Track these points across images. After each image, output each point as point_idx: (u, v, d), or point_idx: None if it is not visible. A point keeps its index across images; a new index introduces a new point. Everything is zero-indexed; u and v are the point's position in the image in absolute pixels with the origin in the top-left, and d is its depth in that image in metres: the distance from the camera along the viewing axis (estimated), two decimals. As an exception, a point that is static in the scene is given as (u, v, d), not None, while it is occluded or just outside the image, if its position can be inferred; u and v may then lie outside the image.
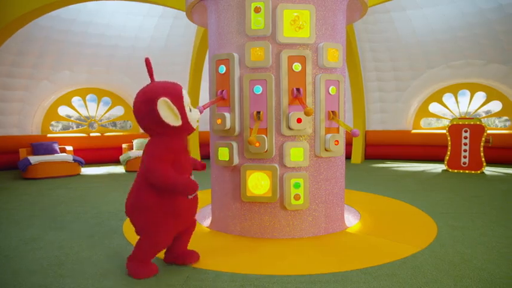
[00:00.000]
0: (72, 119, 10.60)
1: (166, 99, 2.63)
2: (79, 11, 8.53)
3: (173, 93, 2.69)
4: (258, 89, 3.63)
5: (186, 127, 2.78)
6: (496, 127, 10.54)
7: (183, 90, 2.78)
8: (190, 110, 2.81)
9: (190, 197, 2.75)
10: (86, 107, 10.28)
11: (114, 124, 12.31)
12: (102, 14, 8.90)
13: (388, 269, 2.89)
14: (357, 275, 2.81)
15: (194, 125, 2.82)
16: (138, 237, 2.88)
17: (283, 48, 3.63)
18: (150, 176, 2.65)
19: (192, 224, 3.08)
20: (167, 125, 2.67)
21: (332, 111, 3.75)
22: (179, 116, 2.70)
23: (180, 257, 3.03)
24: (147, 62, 2.76)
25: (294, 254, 3.29)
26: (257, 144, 3.57)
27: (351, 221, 4.20)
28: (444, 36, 9.09)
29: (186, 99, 2.78)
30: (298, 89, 3.60)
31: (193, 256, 3.05)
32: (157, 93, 2.63)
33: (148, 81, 2.84)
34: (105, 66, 9.73)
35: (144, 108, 2.66)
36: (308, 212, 3.77)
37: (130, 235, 3.81)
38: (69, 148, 8.96)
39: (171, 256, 3.05)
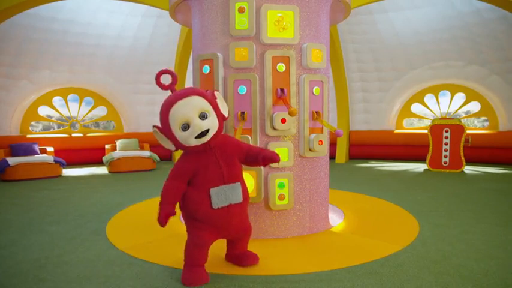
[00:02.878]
0: (52, 119, 10.38)
1: (155, 128, 2.67)
2: (60, 8, 8.35)
3: (161, 117, 2.62)
4: (242, 89, 3.63)
5: (183, 147, 2.67)
6: (475, 127, 10.81)
7: (175, 108, 2.54)
8: (186, 128, 2.54)
9: (215, 207, 2.66)
10: (67, 107, 10.08)
11: (97, 124, 12.11)
12: (84, 12, 8.74)
13: (371, 268, 2.93)
14: (340, 273, 2.83)
15: (191, 143, 2.59)
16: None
17: (267, 49, 3.63)
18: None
19: (243, 232, 2.95)
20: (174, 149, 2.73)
21: (316, 112, 3.77)
22: (170, 142, 2.68)
23: (238, 259, 3.01)
24: (170, 72, 2.75)
25: (278, 254, 3.30)
26: (241, 145, 3.57)
27: (335, 220, 4.24)
28: (426, 38, 9.28)
29: (180, 117, 2.53)
30: (282, 90, 3.62)
31: (250, 258, 3.00)
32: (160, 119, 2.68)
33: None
34: (87, 65, 9.56)
35: None
36: (292, 212, 3.79)
37: (114, 237, 3.76)
38: (50, 149, 8.75)
39: (229, 258, 3.08)
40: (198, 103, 2.58)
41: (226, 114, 2.79)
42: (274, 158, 2.76)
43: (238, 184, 2.77)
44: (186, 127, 2.55)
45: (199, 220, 2.70)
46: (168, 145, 2.70)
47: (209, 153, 2.70)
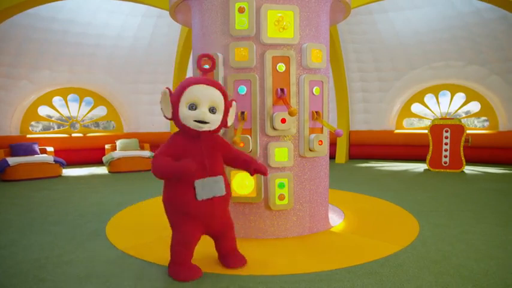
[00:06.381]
0: (53, 119, 10.37)
1: (167, 90, 2.73)
2: (60, 8, 8.34)
3: (179, 86, 2.75)
4: (242, 89, 3.63)
5: (178, 123, 2.76)
6: (475, 127, 10.80)
7: (196, 87, 2.69)
8: (194, 108, 2.67)
9: (199, 198, 2.69)
10: (68, 107, 10.07)
11: (97, 124, 12.11)
12: (84, 12, 8.74)
13: (371, 268, 2.93)
14: (340, 273, 2.83)
15: (188, 123, 2.69)
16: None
17: (267, 49, 3.63)
18: (152, 169, 2.67)
19: (226, 227, 2.96)
20: (169, 117, 2.77)
21: (316, 112, 3.77)
22: (170, 110, 2.74)
23: (226, 259, 2.99)
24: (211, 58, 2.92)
25: (278, 254, 3.30)
26: (241, 145, 3.57)
27: (335, 220, 4.24)
28: (426, 38, 9.28)
29: (194, 97, 2.66)
30: (282, 90, 3.61)
31: (237, 261, 2.97)
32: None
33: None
34: (87, 65, 9.56)
35: None
36: (292, 212, 3.78)
37: (114, 237, 3.76)
38: (50, 149, 8.75)
39: (220, 258, 3.05)
40: (216, 97, 2.75)
41: (229, 124, 2.95)
42: (265, 173, 3.02)
43: (221, 177, 2.83)
44: (192, 107, 2.69)
45: (185, 213, 2.74)
46: (167, 111, 2.77)
47: (196, 141, 2.78)
